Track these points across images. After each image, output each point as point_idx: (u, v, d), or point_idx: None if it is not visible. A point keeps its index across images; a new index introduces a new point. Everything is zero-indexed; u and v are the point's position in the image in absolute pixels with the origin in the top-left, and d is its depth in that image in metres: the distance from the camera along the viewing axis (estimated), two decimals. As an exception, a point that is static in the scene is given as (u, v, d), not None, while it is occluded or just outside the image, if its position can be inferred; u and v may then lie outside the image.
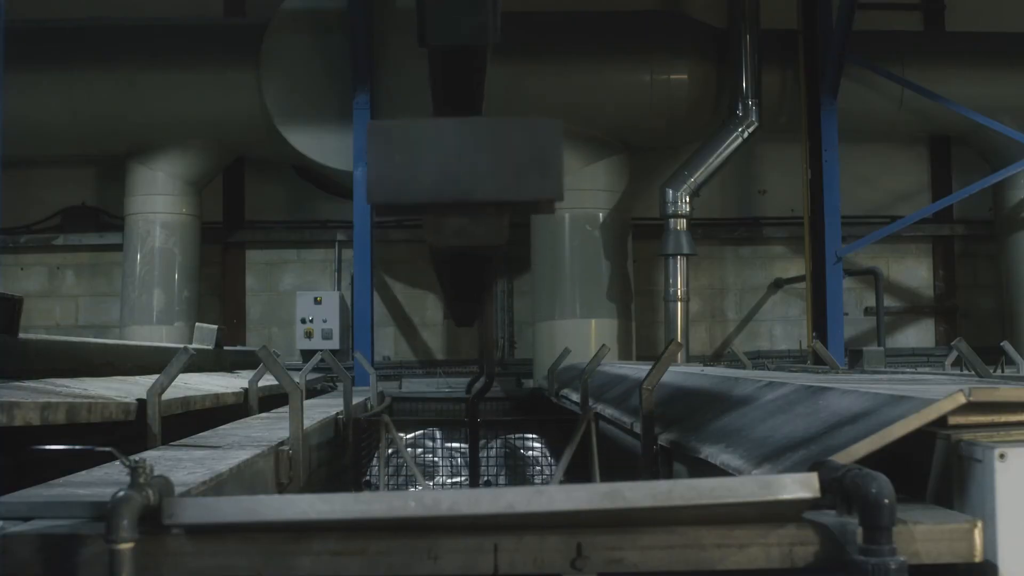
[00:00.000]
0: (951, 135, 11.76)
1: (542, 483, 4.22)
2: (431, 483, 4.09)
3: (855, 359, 8.83)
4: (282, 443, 3.24)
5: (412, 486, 4.12)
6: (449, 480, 4.10)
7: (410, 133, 1.94)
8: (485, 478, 3.99)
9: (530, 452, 4.23)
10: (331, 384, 8.47)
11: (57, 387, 3.75)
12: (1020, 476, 1.67)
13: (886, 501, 1.56)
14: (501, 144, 1.93)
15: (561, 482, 3.40)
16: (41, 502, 1.86)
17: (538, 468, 4.22)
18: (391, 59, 10.03)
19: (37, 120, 9.97)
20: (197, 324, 9.31)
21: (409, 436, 4.25)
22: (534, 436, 4.53)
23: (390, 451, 3.67)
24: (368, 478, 4.05)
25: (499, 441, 4.26)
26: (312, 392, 7.34)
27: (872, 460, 1.82)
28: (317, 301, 11.09)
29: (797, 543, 1.68)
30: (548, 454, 4.29)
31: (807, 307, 10.63)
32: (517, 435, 4.30)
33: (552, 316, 10.45)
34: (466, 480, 4.00)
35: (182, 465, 2.53)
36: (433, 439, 4.24)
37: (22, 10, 9.83)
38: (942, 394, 1.91)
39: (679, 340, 9.83)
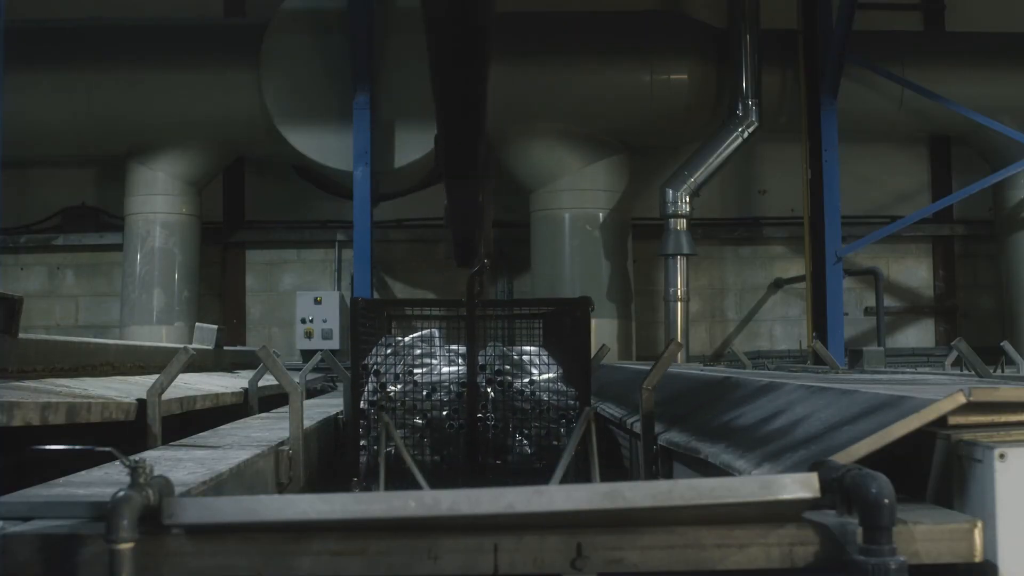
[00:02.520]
0: (951, 135, 11.76)
1: (536, 368, 4.25)
2: (432, 372, 4.15)
3: (855, 359, 8.83)
4: (282, 443, 3.24)
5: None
6: (447, 368, 4.14)
7: None
8: (482, 362, 4.05)
9: (526, 356, 4.26)
10: (331, 384, 8.47)
11: (57, 387, 3.75)
12: (1020, 476, 1.67)
13: (886, 501, 1.56)
14: None
15: (561, 482, 3.40)
16: (41, 502, 1.86)
17: (535, 366, 4.26)
18: (391, 59, 10.04)
19: (37, 120, 9.97)
20: (197, 324, 9.31)
21: (407, 339, 4.28)
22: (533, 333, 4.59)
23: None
24: (372, 363, 4.10)
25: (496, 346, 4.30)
26: (312, 392, 7.33)
27: (872, 460, 1.82)
28: (317, 301, 11.09)
29: (797, 543, 1.68)
30: (545, 359, 4.32)
31: (807, 307, 10.64)
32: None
33: (552, 316, 10.45)
34: (464, 370, 4.04)
35: (182, 465, 2.54)
36: (432, 343, 4.27)
37: (22, 10, 9.84)
38: (942, 394, 1.91)
39: (679, 340, 9.83)
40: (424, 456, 4.04)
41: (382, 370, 4.04)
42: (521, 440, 4.07)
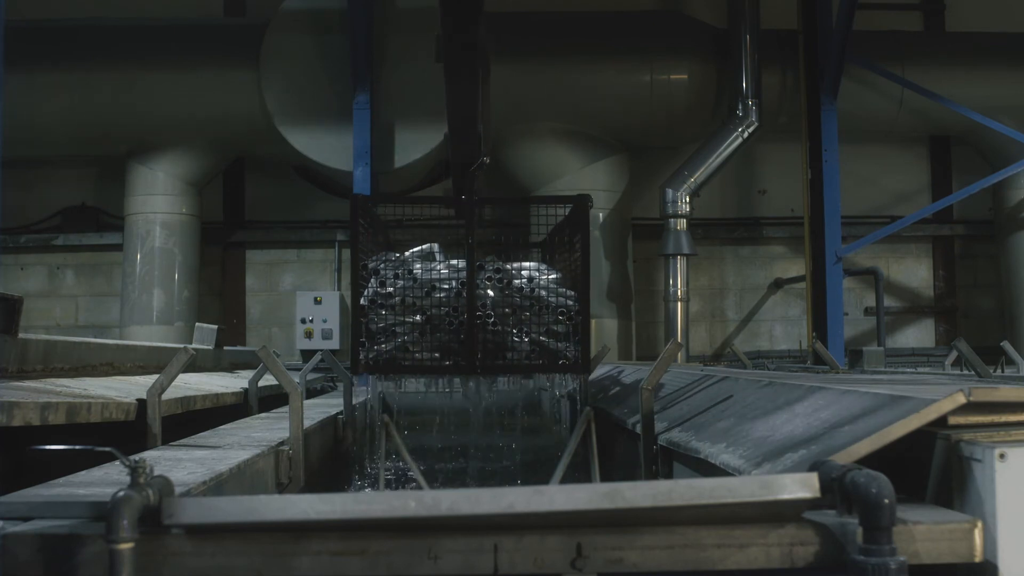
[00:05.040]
0: (951, 135, 11.76)
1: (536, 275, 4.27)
2: (431, 270, 4.17)
3: (855, 359, 8.83)
4: (282, 443, 3.24)
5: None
6: (446, 269, 4.16)
7: None
8: (479, 262, 4.08)
9: (524, 273, 4.28)
10: (331, 384, 8.47)
11: (57, 387, 3.75)
12: (1020, 476, 1.67)
13: (886, 501, 1.56)
14: None
15: (561, 482, 3.40)
16: (41, 502, 1.86)
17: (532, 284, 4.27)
18: (391, 59, 10.04)
19: (37, 120, 9.97)
20: (197, 324, 9.32)
21: (407, 253, 4.31)
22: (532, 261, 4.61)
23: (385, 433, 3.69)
24: (372, 263, 4.14)
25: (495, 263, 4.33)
26: (312, 392, 7.33)
27: (872, 460, 1.83)
28: (317, 301, 11.10)
29: (797, 543, 1.68)
30: (544, 269, 4.33)
31: (807, 307, 10.63)
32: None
33: (552, 316, 10.44)
34: (463, 274, 4.04)
35: (182, 465, 2.54)
36: (432, 258, 4.29)
37: (22, 10, 9.85)
38: (942, 394, 1.91)
39: (679, 340, 9.84)
40: (423, 353, 4.04)
41: (382, 269, 4.06)
42: (520, 339, 4.07)
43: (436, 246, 4.31)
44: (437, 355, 4.03)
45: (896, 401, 2.05)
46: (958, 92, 10.47)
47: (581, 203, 4.15)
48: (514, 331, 4.04)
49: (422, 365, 4.04)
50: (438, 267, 4.13)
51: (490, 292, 4.06)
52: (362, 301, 4.01)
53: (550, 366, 4.09)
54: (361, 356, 4.00)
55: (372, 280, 4.05)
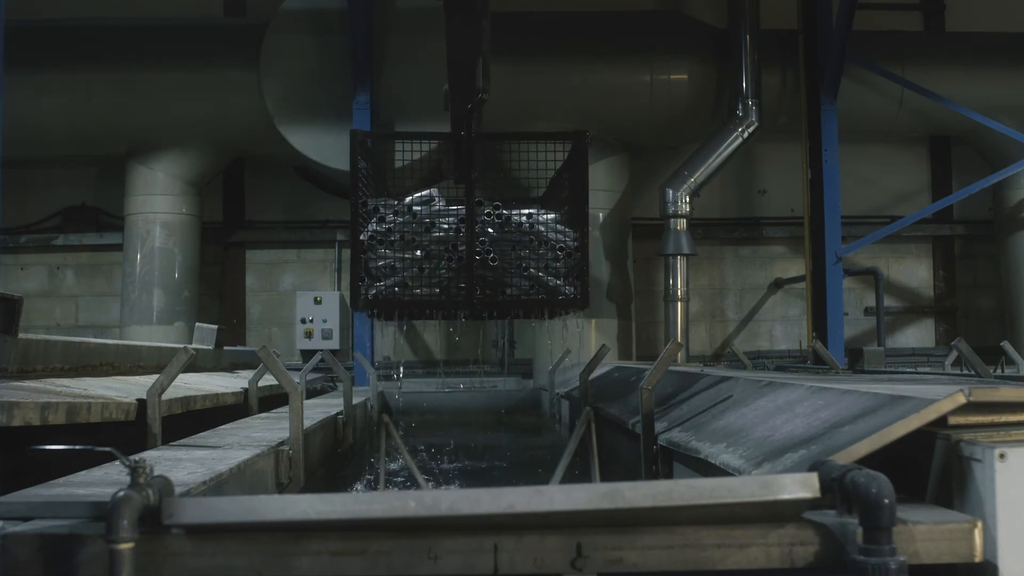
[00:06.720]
0: (951, 135, 11.76)
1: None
2: (431, 206, 4.21)
3: (855, 359, 8.83)
4: (282, 443, 3.24)
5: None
6: (445, 206, 4.20)
7: None
8: (478, 199, 4.11)
9: (523, 218, 4.31)
10: (331, 384, 8.48)
11: (57, 387, 3.75)
12: (1020, 476, 1.67)
13: (886, 501, 1.56)
14: None
15: (561, 482, 3.40)
16: (41, 502, 1.86)
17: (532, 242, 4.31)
18: (391, 59, 10.04)
19: (37, 120, 9.97)
20: (197, 324, 9.32)
21: (408, 199, 4.34)
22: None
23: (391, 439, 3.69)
24: (372, 203, 4.22)
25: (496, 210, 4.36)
26: (312, 392, 7.34)
27: (872, 460, 1.83)
28: (317, 301, 11.11)
29: (797, 543, 1.68)
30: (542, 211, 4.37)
31: (807, 307, 10.63)
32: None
33: (552, 316, 10.43)
34: (464, 210, 4.07)
35: (182, 465, 2.54)
36: (431, 203, 4.32)
37: (23, 10, 9.85)
38: (942, 394, 1.91)
39: (679, 340, 9.84)
40: (422, 290, 4.06)
41: (381, 208, 4.08)
42: (520, 277, 4.09)
43: (436, 191, 4.33)
44: (437, 290, 4.06)
45: (896, 401, 2.05)
46: (958, 92, 10.47)
47: (580, 138, 4.21)
48: (513, 275, 4.08)
49: (421, 300, 4.05)
50: (437, 204, 4.16)
51: (489, 230, 4.09)
52: (361, 237, 4.03)
53: (550, 301, 4.11)
54: (361, 292, 4.01)
55: (372, 219, 4.08)
